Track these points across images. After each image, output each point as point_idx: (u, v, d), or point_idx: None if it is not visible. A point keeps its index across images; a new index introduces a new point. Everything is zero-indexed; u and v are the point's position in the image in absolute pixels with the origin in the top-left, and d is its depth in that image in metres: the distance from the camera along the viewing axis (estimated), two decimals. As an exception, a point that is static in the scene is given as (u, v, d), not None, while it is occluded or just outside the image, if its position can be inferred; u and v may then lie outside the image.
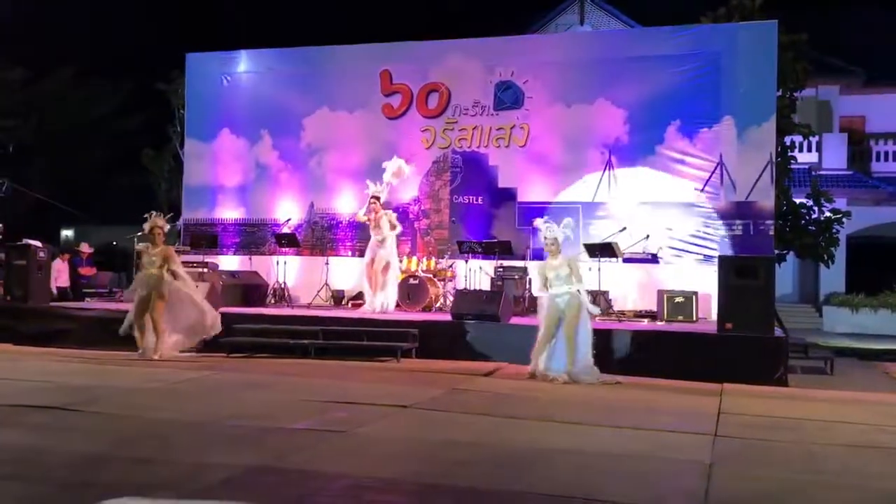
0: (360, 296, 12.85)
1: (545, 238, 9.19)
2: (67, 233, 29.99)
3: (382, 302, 11.94)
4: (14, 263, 12.25)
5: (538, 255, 12.65)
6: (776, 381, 9.22)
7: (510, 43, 14.77)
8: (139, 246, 10.41)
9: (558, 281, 8.98)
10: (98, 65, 27.22)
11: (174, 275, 10.23)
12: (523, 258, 12.93)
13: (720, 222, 12.72)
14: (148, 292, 10.11)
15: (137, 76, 25.75)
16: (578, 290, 8.90)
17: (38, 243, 12.90)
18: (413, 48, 14.55)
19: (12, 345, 11.46)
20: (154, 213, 10.47)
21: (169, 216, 10.66)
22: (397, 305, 12.26)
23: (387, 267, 12.05)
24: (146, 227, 10.39)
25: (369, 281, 12.10)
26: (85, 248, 16.29)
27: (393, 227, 12.18)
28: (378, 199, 12.28)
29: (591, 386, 8.63)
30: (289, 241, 13.83)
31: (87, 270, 15.95)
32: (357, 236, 14.16)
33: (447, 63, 14.15)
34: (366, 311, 11.91)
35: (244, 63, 15.28)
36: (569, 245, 9.62)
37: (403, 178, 13.10)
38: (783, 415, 7.32)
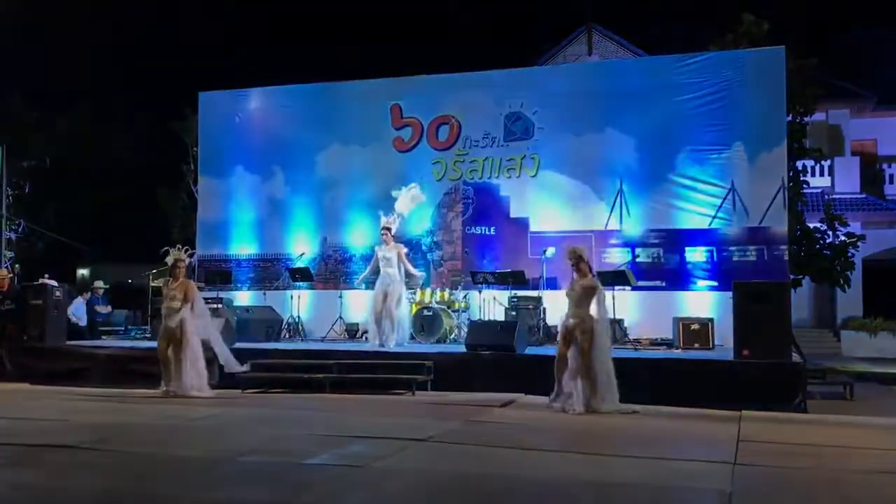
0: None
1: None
2: (83, 271, 30.18)
3: (397, 339, 11.63)
4: (31, 303, 12.33)
5: (552, 285, 12.65)
6: (795, 407, 9.13)
7: (519, 75, 14.85)
8: (159, 281, 10.39)
9: (570, 303, 8.88)
10: (112, 105, 27.64)
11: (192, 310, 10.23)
12: (537, 288, 12.89)
13: (734, 248, 12.67)
14: (170, 327, 10.09)
15: (151, 115, 26.13)
16: (592, 314, 8.69)
17: (54, 283, 12.99)
18: (422, 82, 14.68)
19: (29, 384, 11.51)
20: (176, 248, 10.39)
21: (189, 252, 10.65)
22: (411, 337, 12.20)
23: (399, 301, 11.75)
24: (168, 260, 10.39)
25: (377, 315, 11.73)
26: (100, 285, 16.38)
27: (401, 262, 11.89)
28: (389, 230, 12.12)
29: (608, 415, 8.55)
30: (302, 276, 13.87)
31: (102, 308, 16.04)
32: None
33: (457, 96, 14.24)
34: (374, 346, 11.64)
35: (256, 100, 15.44)
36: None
37: (419, 203, 13.08)
38: (803, 441, 7.24)
